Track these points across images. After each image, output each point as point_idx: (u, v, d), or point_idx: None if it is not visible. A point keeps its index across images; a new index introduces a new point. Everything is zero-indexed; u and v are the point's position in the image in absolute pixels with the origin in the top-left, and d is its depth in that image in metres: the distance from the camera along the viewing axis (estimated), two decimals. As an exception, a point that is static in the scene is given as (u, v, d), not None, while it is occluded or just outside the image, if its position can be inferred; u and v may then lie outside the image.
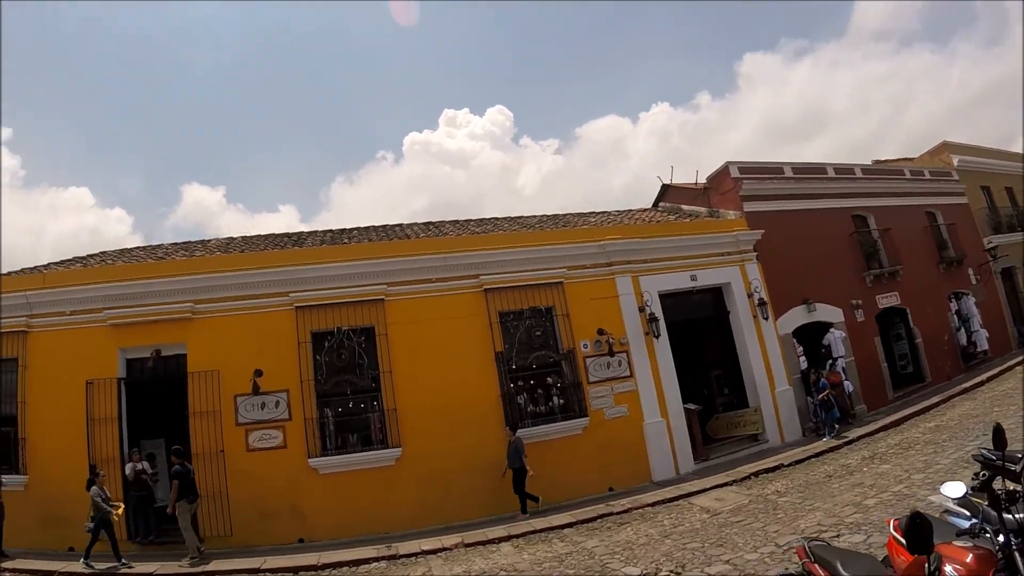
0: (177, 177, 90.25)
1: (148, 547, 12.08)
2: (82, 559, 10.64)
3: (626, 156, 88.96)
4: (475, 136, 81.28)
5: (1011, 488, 4.37)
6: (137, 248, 17.13)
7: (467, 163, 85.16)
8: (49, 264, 15.13)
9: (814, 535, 8.13)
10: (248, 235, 16.83)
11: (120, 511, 11.06)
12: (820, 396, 15.23)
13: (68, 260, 15.50)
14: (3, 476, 12.28)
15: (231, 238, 16.74)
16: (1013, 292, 25.24)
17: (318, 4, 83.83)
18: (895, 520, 4.76)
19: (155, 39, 78.27)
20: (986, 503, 4.12)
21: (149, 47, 78.05)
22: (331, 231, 16.70)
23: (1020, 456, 4.52)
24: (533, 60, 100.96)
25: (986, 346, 21.17)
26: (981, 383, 18.20)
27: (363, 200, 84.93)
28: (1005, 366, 19.81)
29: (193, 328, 12.67)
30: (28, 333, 13.18)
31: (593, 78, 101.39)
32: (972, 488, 4.68)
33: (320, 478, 12.21)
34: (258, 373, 12.26)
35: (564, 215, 18.52)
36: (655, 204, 21.27)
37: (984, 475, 4.71)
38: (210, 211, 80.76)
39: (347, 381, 12.71)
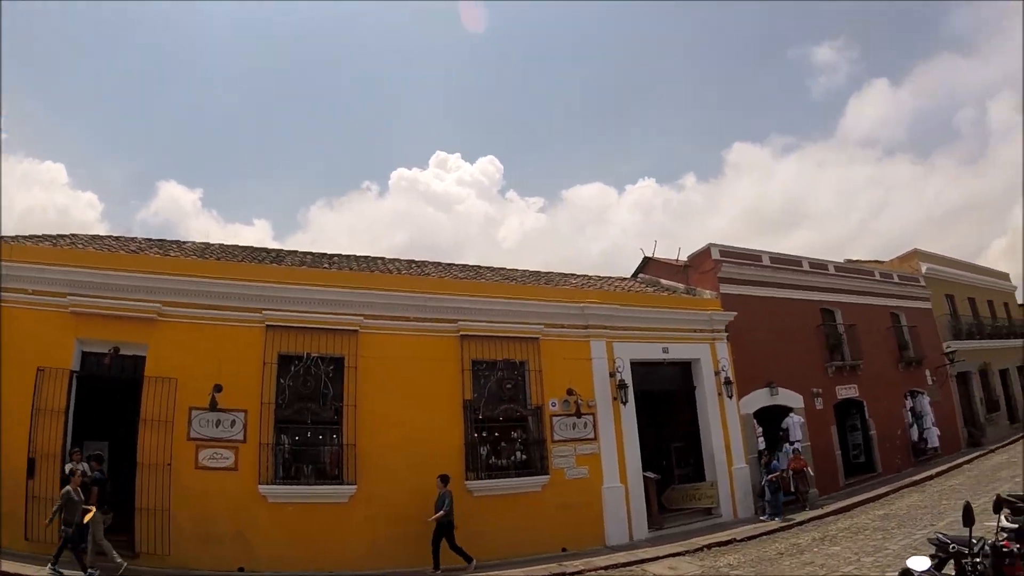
0: (157, 170, 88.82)
1: (82, 554, 11.71)
2: (49, 564, 9.99)
3: (608, 224, 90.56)
4: (463, 182, 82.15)
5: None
6: (110, 237, 16.24)
7: (451, 207, 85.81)
8: (17, 236, 14.34)
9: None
10: (227, 244, 16.13)
11: (90, 515, 10.37)
12: (770, 477, 15.51)
13: (38, 236, 14.51)
14: None
15: (208, 243, 16.05)
16: (967, 395, 26.10)
17: (339, 21, 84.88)
18: None
19: (164, 35, 78.67)
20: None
21: (155, 44, 78.34)
22: (311, 253, 16.40)
23: (972, 540, 4.81)
24: (532, 118, 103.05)
25: (937, 443, 21.80)
26: (930, 477, 18.68)
27: (342, 227, 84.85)
28: (954, 463, 20.38)
29: (157, 330, 12.05)
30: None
31: (587, 145, 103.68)
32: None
33: (269, 506, 11.79)
34: (218, 388, 11.75)
35: (546, 272, 18.75)
36: (635, 275, 21.73)
37: (939, 556, 5.11)
38: (183, 211, 79.78)
39: (309, 409, 12.40)
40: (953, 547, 5.29)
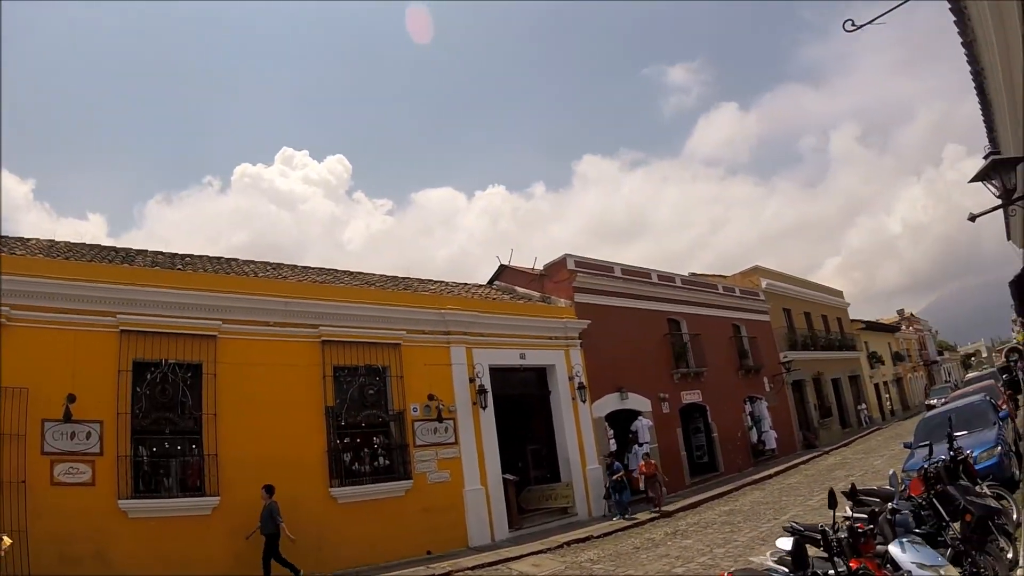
0: None
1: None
2: None
3: (456, 229, 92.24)
4: (310, 180, 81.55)
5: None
6: None
7: (296, 206, 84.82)
8: None
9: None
10: (73, 241, 15.15)
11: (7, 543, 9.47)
12: (614, 477, 16.45)
13: None
14: None
15: (53, 241, 15.23)
16: (801, 401, 28.83)
17: (190, 20, 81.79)
18: (728, 573, 6.18)
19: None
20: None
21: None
22: (163, 253, 15.80)
23: (823, 528, 5.61)
24: (385, 120, 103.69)
25: (774, 445, 23.98)
26: (769, 476, 20.51)
27: (180, 224, 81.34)
28: (790, 463, 22.48)
29: (5, 335, 11.63)
30: None
31: (439, 149, 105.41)
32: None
33: (130, 523, 11.27)
34: (71, 398, 11.26)
35: (404, 277, 19.08)
36: (491, 282, 22.51)
37: (802, 536, 6.09)
38: (15, 204, 74.42)
39: (167, 419, 12.05)
40: (809, 532, 6.21)
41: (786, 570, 5.69)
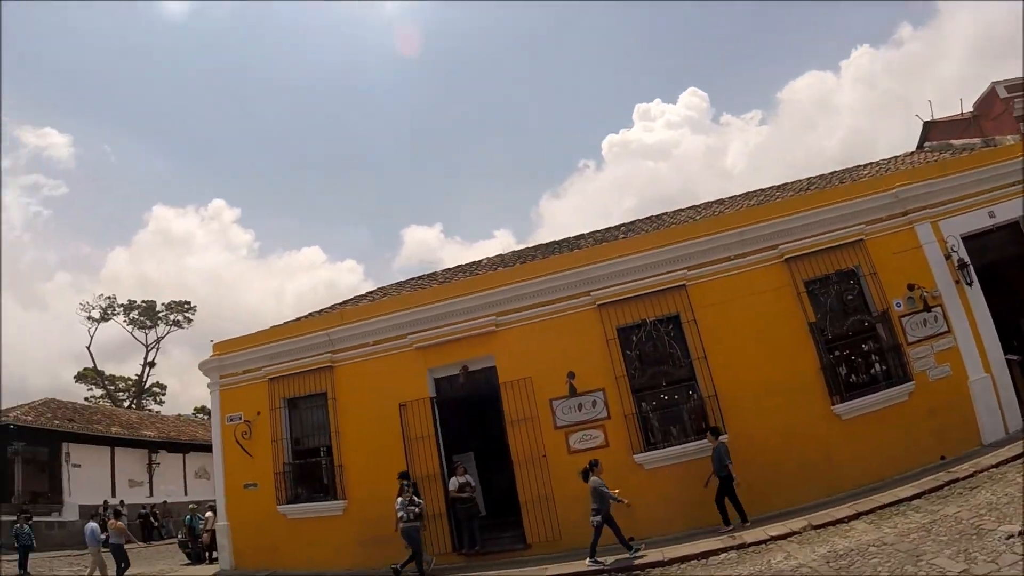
0: (396, 222, 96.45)
1: (474, 557, 12.42)
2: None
3: (835, 111, 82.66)
4: (672, 124, 78.90)
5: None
6: (368, 292, 18.46)
7: (669, 153, 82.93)
8: (348, 301, 15.89)
9: None
10: (506, 252, 17.63)
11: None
12: None
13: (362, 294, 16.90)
14: (323, 502, 13.53)
15: (459, 265, 17.30)
16: None
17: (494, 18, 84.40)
18: None
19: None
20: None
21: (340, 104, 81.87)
22: (623, 224, 16.97)
23: None
24: (713, 33, 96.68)
25: None
26: None
27: (571, 211, 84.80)
28: None
29: (498, 340, 13.00)
30: (334, 368, 14.00)
31: (781, 37, 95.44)
32: None
33: (646, 473, 12.07)
34: (571, 375, 12.29)
35: (854, 168, 17.49)
36: (920, 146, 19.60)
37: None
38: (429, 247, 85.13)
39: (661, 372, 12.56)
40: None
41: None
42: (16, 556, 16.08)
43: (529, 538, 12.17)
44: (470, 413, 13.94)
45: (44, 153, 71.12)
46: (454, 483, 12.52)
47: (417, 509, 11.20)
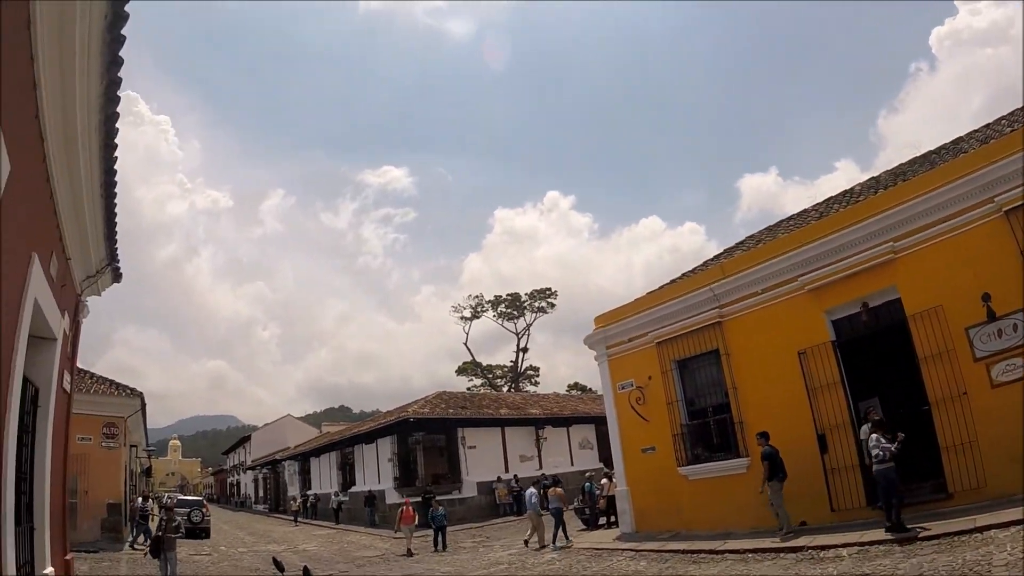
0: (729, 175, 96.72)
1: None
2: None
3: None
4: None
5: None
6: (739, 242, 17.40)
7: (1005, 34, 69.47)
8: (721, 253, 15.73)
9: None
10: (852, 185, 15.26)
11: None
12: None
13: (751, 239, 16.26)
14: (725, 461, 13.61)
15: (829, 198, 15.51)
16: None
17: None
18: None
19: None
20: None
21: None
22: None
23: None
24: None
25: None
26: None
27: (913, 124, 77.08)
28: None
29: (899, 267, 11.62)
30: (722, 323, 13.86)
31: None
32: None
33: None
34: (986, 297, 10.41)
35: None
36: None
37: None
38: (768, 193, 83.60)
39: None
40: None
41: None
42: (431, 533, 18.72)
43: (950, 487, 10.72)
44: (873, 354, 12.70)
45: (388, 187, 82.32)
46: (864, 432, 11.40)
47: (893, 448, 10.19)
